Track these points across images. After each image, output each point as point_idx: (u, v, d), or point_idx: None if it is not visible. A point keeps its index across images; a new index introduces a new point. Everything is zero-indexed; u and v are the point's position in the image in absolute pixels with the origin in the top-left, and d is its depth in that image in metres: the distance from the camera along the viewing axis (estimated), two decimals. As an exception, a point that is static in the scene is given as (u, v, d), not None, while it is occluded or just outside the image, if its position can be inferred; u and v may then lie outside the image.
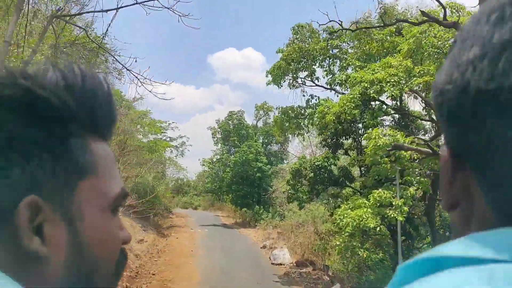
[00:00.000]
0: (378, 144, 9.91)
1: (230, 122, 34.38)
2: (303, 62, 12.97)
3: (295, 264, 15.61)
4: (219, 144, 34.83)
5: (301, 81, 14.00)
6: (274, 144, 36.00)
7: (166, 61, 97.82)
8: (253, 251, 18.55)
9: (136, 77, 7.98)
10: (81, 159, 0.51)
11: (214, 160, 33.82)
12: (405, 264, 0.41)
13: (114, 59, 9.95)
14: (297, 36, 13.50)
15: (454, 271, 0.36)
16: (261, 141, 34.33)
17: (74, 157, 0.51)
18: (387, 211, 9.99)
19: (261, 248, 19.55)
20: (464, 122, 0.40)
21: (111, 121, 0.58)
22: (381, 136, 10.09)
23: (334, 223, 12.16)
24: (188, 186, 63.38)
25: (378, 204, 10.17)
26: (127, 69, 8.51)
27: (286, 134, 17.30)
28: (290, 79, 14.21)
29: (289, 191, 15.99)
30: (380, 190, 10.19)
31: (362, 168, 14.95)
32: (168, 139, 42.68)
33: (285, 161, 34.34)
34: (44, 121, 0.49)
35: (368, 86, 10.54)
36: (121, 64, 8.95)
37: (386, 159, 10.28)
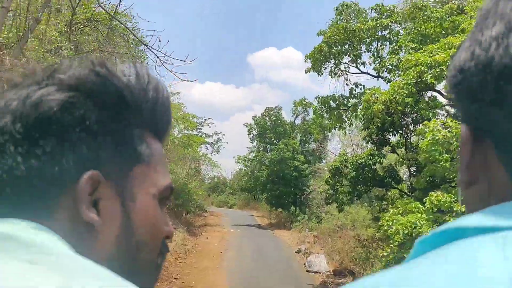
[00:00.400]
0: (436, 138, 8.30)
1: (267, 118, 33.06)
2: (347, 45, 11.41)
3: (332, 273, 14.08)
4: (255, 141, 33.59)
5: (345, 67, 12.43)
6: (312, 143, 34.37)
7: (207, 59, 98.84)
8: (287, 256, 17.16)
9: (156, 55, 6.89)
10: (139, 147, 0.57)
11: (250, 157, 32.58)
12: (422, 238, 0.42)
13: (136, 39, 8.90)
14: (341, 17, 11.97)
15: (469, 239, 0.37)
16: (298, 139, 32.80)
17: (134, 144, 0.56)
18: (447, 218, 8.33)
19: (295, 252, 18.12)
20: (486, 98, 0.40)
21: (167, 124, 0.63)
22: (440, 128, 8.46)
23: (379, 230, 10.57)
24: (224, 184, 62.73)
25: (436, 209, 8.53)
26: (145, 45, 7.42)
27: (325, 126, 15.67)
28: (332, 66, 12.70)
29: (328, 192, 14.48)
30: (438, 192, 8.54)
31: (411, 168, 13.24)
32: (203, 135, 42.07)
33: (323, 161, 32.65)
34: (115, 108, 0.54)
35: (425, 69, 8.91)
36: (137, 38, 7.86)
37: (447, 155, 8.60)
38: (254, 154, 32.79)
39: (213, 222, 32.41)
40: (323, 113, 12.02)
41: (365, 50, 11.55)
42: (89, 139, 0.51)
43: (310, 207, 29.16)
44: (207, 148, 41.28)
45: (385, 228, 8.97)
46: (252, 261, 14.65)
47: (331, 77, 12.90)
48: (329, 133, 33.23)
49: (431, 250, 0.39)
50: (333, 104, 11.92)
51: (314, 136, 32.09)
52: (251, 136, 33.49)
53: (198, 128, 41.14)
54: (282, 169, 30.27)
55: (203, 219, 35.56)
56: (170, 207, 24.24)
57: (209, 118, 40.92)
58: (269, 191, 31.82)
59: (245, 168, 35.60)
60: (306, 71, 12.86)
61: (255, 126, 33.16)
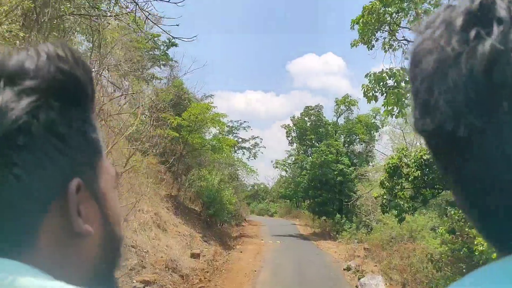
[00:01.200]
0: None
1: (306, 119, 30.29)
2: (407, 2, 8.56)
3: (394, 300, 11.14)
4: (294, 144, 30.88)
5: (403, 36, 9.56)
6: (358, 144, 31.22)
7: (246, 68, 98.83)
8: (334, 275, 14.30)
9: (146, 16, 4.84)
10: (95, 136, 0.53)
11: (289, 162, 29.86)
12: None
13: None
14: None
15: None
16: (342, 140, 29.79)
17: (95, 134, 0.53)
18: None
19: (344, 270, 15.22)
20: None
21: (93, 99, 0.57)
22: None
23: (464, 248, 7.61)
24: (264, 192, 60.26)
25: None
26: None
27: (376, 110, 12.72)
28: (385, 38, 9.88)
29: (384, 197, 11.56)
30: None
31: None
32: (239, 140, 39.83)
33: (370, 164, 29.40)
34: (80, 103, 0.51)
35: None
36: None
37: None
38: (293, 158, 30.03)
39: (251, 232, 29.93)
40: (377, 93, 9.16)
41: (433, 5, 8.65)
42: (62, 144, 0.47)
43: (358, 215, 26.02)
44: (243, 153, 39.05)
45: (483, 250, 6.06)
46: (291, 283, 11.97)
47: (385, 51, 10.06)
48: (376, 133, 30.07)
49: None
50: (390, 82, 9.07)
51: (360, 136, 28.97)
52: (289, 139, 30.84)
53: (234, 133, 39.04)
54: (325, 173, 27.37)
55: (241, 229, 33.18)
56: (201, 218, 22.03)
57: (245, 122, 38.70)
58: (311, 197, 28.96)
59: (286, 175, 32.89)
60: (352, 45, 10.11)
61: (294, 127, 30.45)
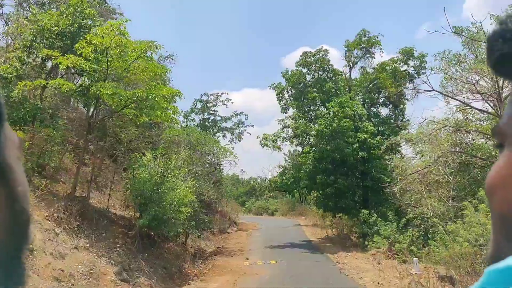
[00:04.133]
0: None
1: (305, 70, 20.51)
2: None
3: None
4: (290, 110, 21.09)
5: None
6: (381, 107, 21.52)
7: (242, 67, 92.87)
8: None
9: None
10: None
11: (284, 136, 20.16)
12: (495, 269, 0.35)
13: None
14: None
15: None
16: (360, 98, 20.12)
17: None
18: None
19: None
20: None
21: None
22: None
23: None
24: (261, 187, 50.55)
25: None
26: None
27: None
28: None
29: None
30: None
31: None
32: (218, 118, 30.19)
33: (402, 131, 19.72)
34: None
35: None
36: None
37: None
38: (290, 132, 20.33)
39: (235, 244, 20.49)
40: None
41: None
42: None
43: (401, 208, 16.50)
44: (224, 135, 29.42)
45: None
46: None
47: None
48: (410, 84, 20.50)
49: (504, 284, 0.32)
50: None
51: (388, 90, 19.28)
52: (282, 103, 21.02)
53: (211, 110, 29.41)
54: (339, 148, 17.77)
55: (223, 239, 23.67)
56: (130, 233, 12.46)
57: (222, 93, 29.01)
58: (320, 186, 19.32)
59: (286, 164, 23.25)
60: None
61: (288, 85, 20.67)
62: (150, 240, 13.10)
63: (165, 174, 12.91)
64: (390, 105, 21.46)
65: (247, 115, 28.31)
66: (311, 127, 18.64)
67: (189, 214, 13.79)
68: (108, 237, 11.97)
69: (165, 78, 16.51)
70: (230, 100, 29.19)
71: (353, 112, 18.16)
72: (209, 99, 28.79)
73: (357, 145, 18.63)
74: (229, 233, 25.92)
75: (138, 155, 14.51)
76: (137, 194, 12.65)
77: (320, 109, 19.56)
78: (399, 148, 20.20)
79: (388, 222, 16.92)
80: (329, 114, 18.29)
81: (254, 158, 78.87)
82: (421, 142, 16.41)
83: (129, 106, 11.99)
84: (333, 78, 20.12)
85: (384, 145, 17.75)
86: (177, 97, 12.40)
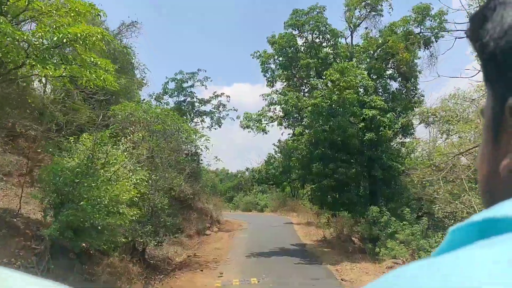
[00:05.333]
0: None
1: (296, 32, 16.36)
2: None
3: None
4: (277, 83, 16.91)
5: None
6: (389, 81, 17.53)
7: (231, 61, 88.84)
8: None
9: None
10: None
11: (270, 115, 16.03)
12: (457, 226, 0.36)
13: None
14: None
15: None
16: (364, 68, 16.12)
17: None
18: None
19: None
20: None
21: None
22: None
23: None
24: (248, 180, 46.53)
25: None
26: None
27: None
28: None
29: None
30: None
31: None
32: (196, 101, 26.03)
33: (421, 106, 15.77)
34: None
35: None
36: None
37: None
38: (278, 109, 16.25)
39: (211, 252, 16.47)
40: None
41: None
42: None
43: (425, 205, 12.65)
44: (202, 120, 25.27)
45: None
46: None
47: None
48: (425, 50, 16.60)
49: (466, 241, 0.32)
50: None
51: (401, 56, 15.31)
52: (267, 75, 16.90)
53: (187, 91, 25.24)
54: (340, 127, 13.83)
55: (200, 243, 19.62)
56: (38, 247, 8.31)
57: (200, 70, 24.80)
58: (316, 177, 15.37)
59: (276, 154, 19.26)
60: None
61: (275, 53, 16.53)
62: (72, 255, 9.01)
63: (93, 160, 8.82)
64: (400, 78, 17.51)
65: (228, 96, 24.07)
66: (305, 100, 14.56)
67: (136, 217, 9.74)
68: (2, 255, 7.90)
69: (99, 22, 12.41)
70: (209, 78, 25.02)
71: (357, 82, 14.16)
72: (184, 77, 24.60)
73: (363, 124, 14.66)
74: (207, 235, 21.90)
75: (73, 139, 10.37)
76: (51, 189, 8.58)
77: (316, 80, 15.50)
78: (412, 130, 16.33)
79: (404, 222, 13.04)
80: (327, 85, 14.26)
81: (244, 150, 74.72)
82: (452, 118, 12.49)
83: (32, 58, 7.83)
84: (331, 42, 16.06)
85: (400, 123, 13.80)
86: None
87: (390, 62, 17.18)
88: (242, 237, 20.45)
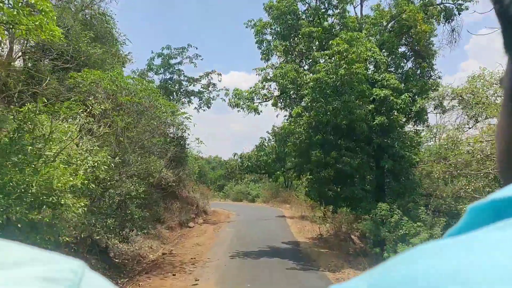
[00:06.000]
0: None
1: (296, -2, 13.99)
2: None
3: None
4: (273, 53, 14.51)
5: None
6: (402, 60, 15.28)
7: (226, 49, 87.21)
8: None
9: None
10: None
11: (264, 92, 13.70)
12: (477, 205, 0.32)
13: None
14: None
15: None
16: (375, 42, 13.86)
17: None
18: None
19: None
20: None
21: None
22: None
23: None
24: (239, 168, 44.49)
25: None
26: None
27: None
28: None
29: None
30: None
31: None
32: (184, 79, 23.64)
33: (441, 87, 13.57)
34: None
35: None
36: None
37: None
38: (274, 86, 13.96)
39: (191, 248, 14.26)
40: None
41: None
42: None
43: (438, 207, 10.54)
44: (190, 100, 22.93)
45: None
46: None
47: None
48: (446, 24, 14.38)
49: (487, 220, 0.30)
50: None
51: (419, 28, 13.05)
52: (263, 47, 14.55)
53: (174, 68, 22.86)
54: (346, 108, 11.57)
55: (179, 237, 17.47)
56: None
57: (190, 46, 22.40)
58: (314, 167, 13.19)
59: (269, 141, 17.01)
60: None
61: (272, 21, 14.19)
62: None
63: (21, 134, 6.55)
64: (413, 57, 15.26)
65: (220, 74, 21.71)
66: (305, 75, 12.29)
67: (84, 210, 7.49)
68: None
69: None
70: (200, 56, 22.62)
71: (369, 55, 11.90)
72: (172, 53, 22.18)
73: (373, 106, 12.43)
74: (191, 227, 19.73)
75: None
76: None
77: (319, 53, 13.20)
78: (426, 117, 14.15)
79: (419, 224, 10.92)
80: (332, 58, 11.98)
81: (244, 139, 72.51)
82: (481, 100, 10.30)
83: None
84: (338, 9, 13.74)
85: (418, 106, 11.60)
86: None
87: (403, 39, 14.92)
88: (228, 231, 18.30)
